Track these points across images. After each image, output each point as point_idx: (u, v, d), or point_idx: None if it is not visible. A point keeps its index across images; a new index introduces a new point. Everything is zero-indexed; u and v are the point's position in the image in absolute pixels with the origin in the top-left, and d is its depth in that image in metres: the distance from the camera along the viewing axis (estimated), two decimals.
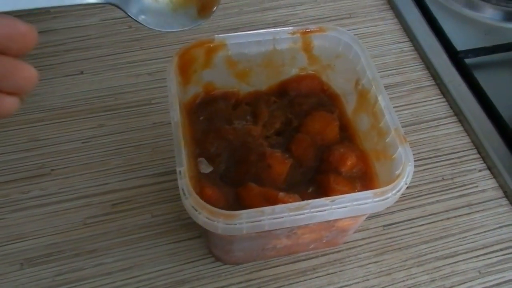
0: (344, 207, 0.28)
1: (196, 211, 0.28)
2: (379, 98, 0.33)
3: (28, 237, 0.39)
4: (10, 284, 0.36)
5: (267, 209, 0.28)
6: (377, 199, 0.29)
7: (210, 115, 0.38)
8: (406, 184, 0.30)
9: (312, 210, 0.28)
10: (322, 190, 0.34)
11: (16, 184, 0.41)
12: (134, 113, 0.47)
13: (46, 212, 0.40)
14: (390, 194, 0.29)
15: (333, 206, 0.28)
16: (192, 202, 0.28)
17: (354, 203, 0.29)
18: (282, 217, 0.28)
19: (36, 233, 0.39)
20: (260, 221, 0.28)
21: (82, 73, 0.49)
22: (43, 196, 0.41)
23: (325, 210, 0.28)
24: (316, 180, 0.35)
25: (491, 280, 0.38)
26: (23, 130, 0.45)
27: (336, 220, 0.33)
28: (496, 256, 0.39)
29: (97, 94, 0.48)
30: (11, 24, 0.20)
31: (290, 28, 0.35)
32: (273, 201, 0.31)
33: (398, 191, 0.29)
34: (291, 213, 0.28)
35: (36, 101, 0.47)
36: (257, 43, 0.36)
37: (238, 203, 0.33)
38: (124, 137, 0.45)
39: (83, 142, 0.45)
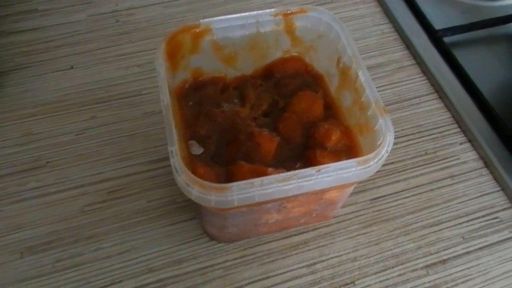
0: (329, 176, 0.30)
1: (189, 186, 0.29)
2: (359, 73, 0.34)
3: (27, 227, 0.40)
4: (12, 272, 0.37)
5: (256, 180, 0.29)
6: (360, 167, 0.30)
7: (199, 100, 0.39)
8: (387, 152, 0.31)
9: (299, 180, 0.30)
10: (309, 164, 0.35)
11: (13, 177, 0.42)
12: (126, 104, 0.48)
13: (44, 202, 0.41)
14: (372, 163, 0.31)
15: (319, 176, 0.30)
16: (184, 178, 0.29)
17: (339, 172, 0.30)
18: (271, 188, 0.29)
19: (35, 222, 0.40)
20: (250, 192, 0.29)
21: (72, 67, 0.50)
22: (40, 187, 0.42)
23: (311, 180, 0.30)
24: (303, 156, 0.36)
25: (474, 245, 0.40)
26: (17, 125, 0.46)
27: (323, 192, 0.34)
28: (478, 223, 0.41)
29: (88, 87, 0.49)
30: None
31: (272, 10, 0.37)
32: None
33: (380, 159, 0.31)
34: (279, 184, 0.29)
35: (29, 96, 0.48)
36: (241, 26, 0.37)
37: (230, 181, 0.34)
38: (117, 128, 0.46)
39: (76, 134, 0.46)
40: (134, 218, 0.40)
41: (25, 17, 0.55)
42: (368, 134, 0.35)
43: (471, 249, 0.39)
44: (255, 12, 0.37)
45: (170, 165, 0.30)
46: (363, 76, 0.34)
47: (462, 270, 0.38)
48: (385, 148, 0.31)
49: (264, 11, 0.37)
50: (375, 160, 0.31)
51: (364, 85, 0.34)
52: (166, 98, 0.33)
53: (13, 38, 0.53)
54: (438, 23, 0.53)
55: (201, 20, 0.37)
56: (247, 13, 0.37)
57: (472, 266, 0.38)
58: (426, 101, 0.49)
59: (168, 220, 0.40)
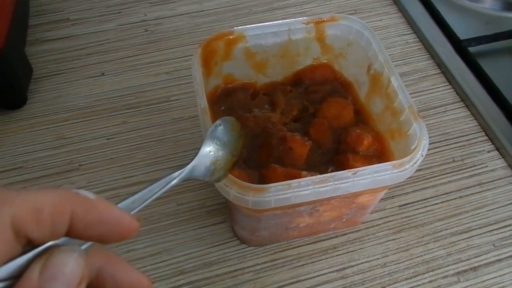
0: (365, 178, 0.30)
1: (227, 187, 0.30)
2: (392, 79, 0.35)
3: None
4: None
5: (294, 182, 0.30)
6: (396, 170, 0.31)
7: (231, 105, 0.40)
8: (422, 156, 0.31)
9: (336, 182, 0.30)
10: (341, 169, 0.35)
11: (47, 180, 0.43)
12: (155, 110, 0.49)
13: None
14: (408, 166, 0.31)
15: (355, 178, 0.30)
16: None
17: (375, 175, 0.30)
18: (307, 190, 0.30)
19: None
20: (287, 194, 0.30)
21: (103, 74, 0.52)
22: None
23: (347, 182, 0.30)
24: (335, 160, 0.37)
25: (505, 252, 0.39)
26: (50, 129, 0.47)
27: (356, 196, 0.35)
28: (509, 230, 0.41)
29: (119, 93, 0.50)
30: (116, 219, 0.19)
31: (304, 18, 0.38)
32: None
33: (415, 162, 0.31)
34: (316, 186, 0.30)
35: (61, 102, 0.49)
36: (274, 34, 0.38)
37: (263, 184, 0.35)
38: (147, 133, 0.47)
39: (107, 139, 0.47)
40: (165, 221, 0.41)
41: (57, 26, 0.56)
42: (401, 139, 0.35)
43: (502, 256, 0.39)
44: (288, 20, 0.38)
45: None
46: (395, 82, 0.35)
47: (494, 277, 0.38)
48: (420, 152, 0.32)
49: (296, 19, 0.38)
50: (411, 164, 0.31)
51: (397, 91, 0.35)
52: (203, 102, 0.33)
53: (46, 46, 0.54)
54: (461, 33, 0.54)
55: (235, 28, 0.38)
56: (280, 21, 0.38)
57: (504, 274, 0.38)
58: (452, 109, 0.49)
59: (198, 223, 0.41)
